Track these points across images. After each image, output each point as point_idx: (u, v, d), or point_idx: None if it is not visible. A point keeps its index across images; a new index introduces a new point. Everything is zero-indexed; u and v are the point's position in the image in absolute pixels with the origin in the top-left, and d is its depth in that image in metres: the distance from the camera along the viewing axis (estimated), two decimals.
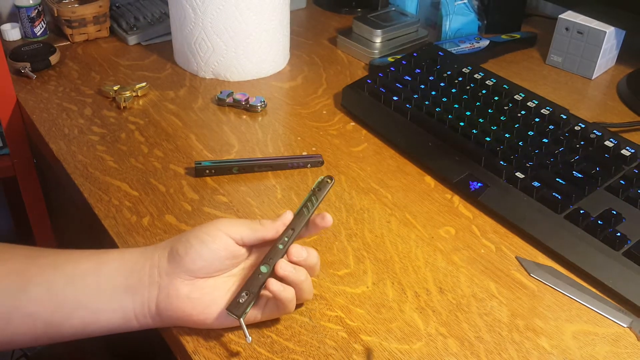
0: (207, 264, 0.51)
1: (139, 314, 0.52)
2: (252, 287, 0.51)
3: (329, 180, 0.55)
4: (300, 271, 0.52)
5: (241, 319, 0.50)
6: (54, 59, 0.98)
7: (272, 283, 0.50)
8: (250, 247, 0.54)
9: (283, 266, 0.51)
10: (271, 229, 0.53)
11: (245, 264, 0.55)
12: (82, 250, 0.54)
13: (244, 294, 0.51)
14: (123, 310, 0.51)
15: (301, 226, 0.53)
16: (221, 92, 0.89)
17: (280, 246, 0.52)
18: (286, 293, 0.51)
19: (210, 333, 0.54)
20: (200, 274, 0.51)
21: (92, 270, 0.52)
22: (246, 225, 0.52)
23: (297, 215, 0.54)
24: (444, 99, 0.83)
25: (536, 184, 0.69)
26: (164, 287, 0.51)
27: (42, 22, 1.06)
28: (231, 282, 0.53)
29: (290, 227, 0.53)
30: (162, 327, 0.54)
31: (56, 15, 1.04)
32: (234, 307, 0.51)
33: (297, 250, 0.52)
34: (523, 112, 0.80)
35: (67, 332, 0.51)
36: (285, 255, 0.52)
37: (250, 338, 0.51)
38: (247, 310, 0.51)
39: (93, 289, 0.51)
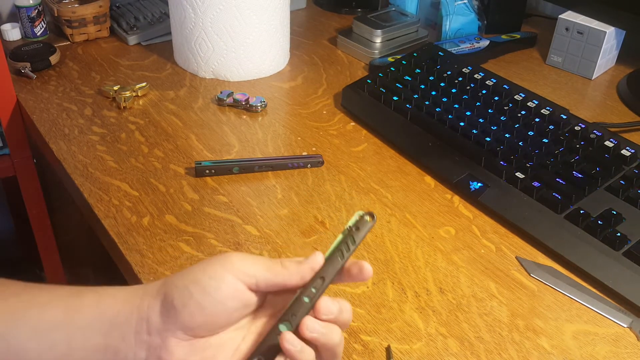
0: (210, 320, 0.40)
1: None
2: (267, 352, 0.41)
3: (369, 218, 0.43)
4: (334, 331, 0.41)
5: None
6: (54, 59, 0.98)
7: (287, 340, 0.39)
8: (264, 293, 0.43)
9: (311, 326, 0.40)
10: (295, 273, 0.41)
11: (257, 314, 0.43)
12: (49, 288, 0.44)
13: (255, 359, 0.41)
14: None
15: (333, 275, 0.42)
16: (221, 92, 0.89)
17: (306, 299, 0.41)
18: (304, 356, 0.40)
19: None
20: (201, 332, 0.40)
21: (62, 321, 0.41)
22: (263, 266, 0.41)
23: (329, 259, 0.42)
24: (444, 99, 0.83)
25: (536, 184, 0.69)
26: (154, 349, 0.40)
27: (42, 22, 1.06)
28: (238, 338, 0.42)
29: (320, 275, 0.42)
30: None
31: (56, 15, 1.04)
32: None
33: (327, 305, 0.41)
34: (523, 112, 0.80)
35: None
36: (312, 311, 0.41)
37: None
38: None
39: (62, 346, 0.41)
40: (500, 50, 1.05)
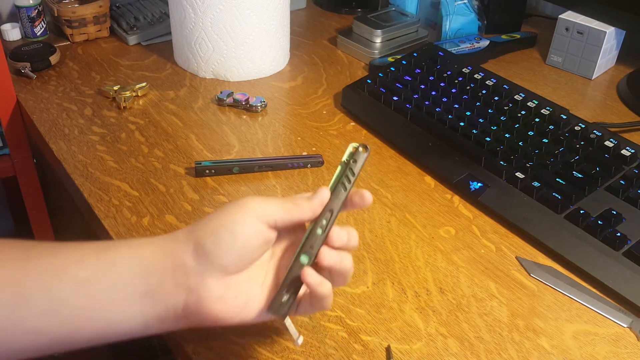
0: (240, 257, 0.44)
1: (163, 318, 0.45)
2: (292, 284, 0.45)
3: (363, 149, 0.47)
4: (346, 259, 0.46)
5: (287, 321, 0.45)
6: (54, 59, 0.98)
7: (309, 274, 0.44)
8: (279, 230, 0.47)
9: (328, 255, 0.45)
10: (308, 209, 0.46)
11: (274, 249, 0.48)
12: (82, 245, 0.46)
13: (285, 290, 0.45)
14: (143, 317, 0.44)
15: (339, 206, 0.46)
16: (221, 92, 0.89)
17: (319, 231, 0.45)
18: (323, 288, 0.45)
19: (210, 333, 0.54)
20: (234, 269, 0.45)
21: (101, 273, 0.44)
22: (279, 206, 0.45)
23: (334, 193, 0.46)
24: (444, 99, 0.83)
25: (536, 184, 0.69)
26: (193, 290, 0.44)
27: (42, 22, 1.06)
28: (262, 273, 0.47)
29: (328, 208, 0.46)
30: (187, 328, 0.47)
31: (56, 15, 1.04)
32: (278, 307, 0.45)
33: (338, 234, 0.46)
34: (523, 112, 0.80)
35: (77, 344, 0.45)
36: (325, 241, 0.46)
37: (301, 339, 0.46)
38: (287, 309, 0.45)
39: (105, 295, 0.44)
40: (500, 50, 1.05)
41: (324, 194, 0.47)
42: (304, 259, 0.45)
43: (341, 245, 0.46)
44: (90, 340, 0.45)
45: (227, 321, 0.45)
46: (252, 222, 0.44)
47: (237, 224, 0.44)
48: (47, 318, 0.43)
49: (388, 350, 0.54)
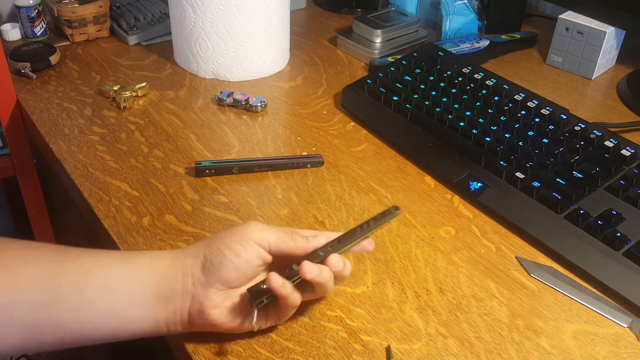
0: (242, 274, 0.51)
1: (171, 322, 0.51)
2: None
3: (394, 210, 0.53)
4: (325, 273, 0.51)
5: (255, 308, 0.50)
6: (54, 59, 0.98)
7: (274, 279, 0.49)
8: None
9: (308, 266, 0.50)
10: (300, 248, 0.52)
11: (270, 268, 0.54)
12: (107, 252, 0.52)
13: (266, 284, 0.51)
14: (155, 319, 0.51)
15: (348, 242, 0.52)
16: (221, 92, 0.89)
17: (321, 254, 0.51)
18: (284, 289, 0.50)
19: (210, 333, 0.54)
20: (235, 283, 0.51)
21: (124, 278, 0.50)
22: (276, 235, 0.52)
23: (351, 230, 0.52)
24: (444, 99, 0.83)
25: (536, 184, 0.69)
26: (197, 298, 0.50)
27: (42, 22, 1.06)
28: None
29: (338, 239, 0.52)
30: (191, 331, 0.53)
31: (56, 15, 1.04)
32: (256, 289, 0.50)
33: (337, 260, 0.51)
34: (523, 112, 0.80)
35: (96, 340, 0.50)
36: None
37: (256, 323, 0.51)
38: (264, 300, 0.50)
39: (126, 298, 0.50)
40: (500, 50, 1.05)
41: (321, 239, 0.53)
42: (295, 266, 0.51)
43: (335, 271, 0.52)
44: (107, 336, 0.50)
45: (222, 327, 0.52)
46: (252, 244, 0.51)
47: (239, 245, 0.50)
48: (73, 315, 0.49)
49: (388, 350, 0.54)
